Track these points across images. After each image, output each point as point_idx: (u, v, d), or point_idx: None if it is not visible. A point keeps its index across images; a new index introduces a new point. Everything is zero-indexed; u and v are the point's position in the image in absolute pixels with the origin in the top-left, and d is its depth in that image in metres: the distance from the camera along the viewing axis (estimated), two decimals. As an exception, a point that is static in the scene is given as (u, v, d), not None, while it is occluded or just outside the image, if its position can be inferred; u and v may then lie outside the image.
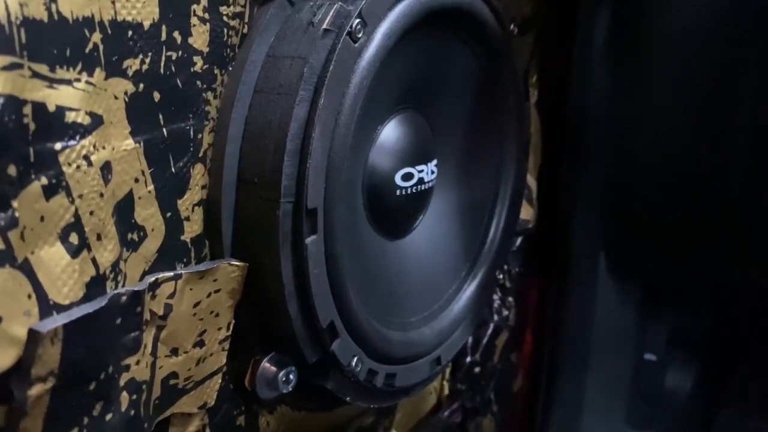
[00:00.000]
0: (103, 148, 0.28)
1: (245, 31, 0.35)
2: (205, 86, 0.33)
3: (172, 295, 0.32)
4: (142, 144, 0.30)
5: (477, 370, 0.63)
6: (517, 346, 0.71)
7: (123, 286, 0.30)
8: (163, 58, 0.30)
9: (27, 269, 0.25)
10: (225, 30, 0.33)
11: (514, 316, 0.66)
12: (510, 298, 0.64)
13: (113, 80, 0.28)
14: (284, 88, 0.34)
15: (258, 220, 0.35)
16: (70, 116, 0.26)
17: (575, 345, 0.71)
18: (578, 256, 0.69)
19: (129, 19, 0.28)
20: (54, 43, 0.25)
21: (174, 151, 0.32)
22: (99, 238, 0.28)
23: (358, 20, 0.36)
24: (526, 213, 0.63)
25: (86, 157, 0.27)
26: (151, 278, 0.31)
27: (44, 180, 0.25)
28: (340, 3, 0.35)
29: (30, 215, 0.25)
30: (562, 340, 0.72)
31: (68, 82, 0.26)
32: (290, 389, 0.39)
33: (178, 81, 0.31)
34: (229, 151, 0.35)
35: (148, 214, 0.31)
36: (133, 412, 0.30)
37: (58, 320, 0.25)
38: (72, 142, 0.26)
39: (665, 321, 0.77)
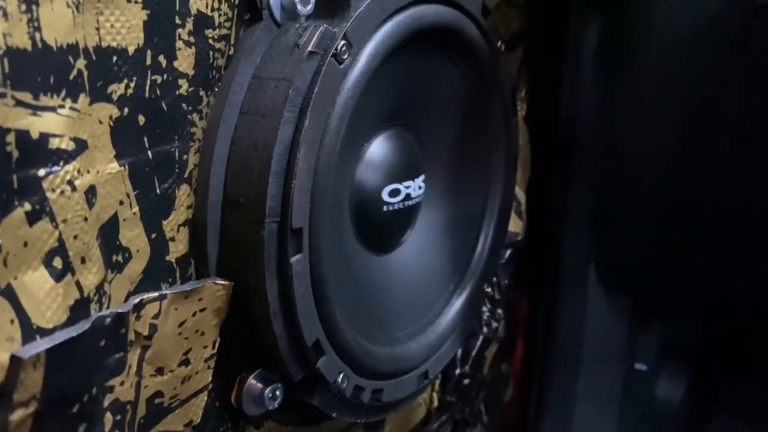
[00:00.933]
0: (88, 172, 0.28)
1: (231, 52, 0.35)
2: (190, 108, 0.33)
3: (156, 316, 0.32)
4: (126, 167, 0.30)
5: (466, 381, 0.64)
6: (507, 356, 0.71)
7: (107, 307, 0.30)
8: (148, 82, 0.31)
9: (9, 294, 0.25)
10: (210, 52, 0.34)
11: (503, 328, 0.66)
12: (499, 310, 0.65)
13: (98, 105, 0.29)
14: (269, 109, 0.35)
15: (243, 239, 0.35)
16: (54, 142, 0.26)
17: (566, 355, 0.72)
18: (568, 267, 0.69)
19: (114, 44, 0.29)
20: (38, 71, 0.26)
21: (159, 172, 0.32)
22: (83, 261, 0.28)
23: (343, 42, 0.36)
24: (515, 225, 0.64)
25: (70, 182, 0.27)
26: (136, 299, 0.31)
27: (27, 206, 0.26)
28: (325, 25, 0.36)
29: (13, 241, 0.25)
30: (553, 350, 0.72)
31: (52, 109, 0.26)
32: (276, 406, 0.39)
33: (164, 104, 0.32)
34: (214, 171, 0.35)
35: (133, 235, 0.31)
36: (117, 433, 0.30)
37: (40, 345, 0.25)
38: (56, 168, 0.27)
39: (655, 331, 0.77)
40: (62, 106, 0.27)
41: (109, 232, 0.30)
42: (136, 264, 0.32)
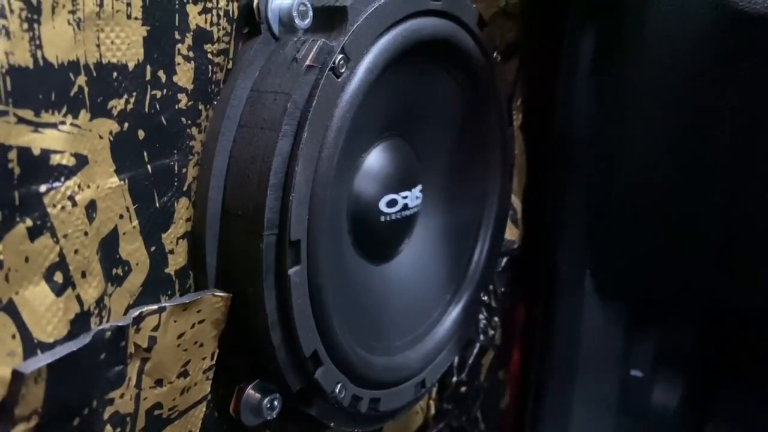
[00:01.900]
0: (88, 187, 0.28)
1: (230, 66, 0.35)
2: (189, 122, 0.34)
3: (156, 328, 0.32)
4: (126, 181, 0.31)
5: (463, 389, 0.64)
6: (504, 364, 0.72)
7: (107, 321, 0.30)
8: (148, 97, 0.31)
9: (11, 310, 0.25)
10: (209, 67, 0.34)
11: (500, 336, 0.67)
12: (496, 318, 0.65)
13: (98, 121, 0.29)
14: (268, 122, 0.35)
15: (242, 251, 0.36)
16: (55, 158, 0.27)
17: (562, 362, 0.72)
18: (564, 274, 0.70)
19: (114, 60, 0.29)
20: (39, 89, 0.26)
21: (158, 186, 0.32)
22: (83, 275, 0.28)
23: (341, 56, 0.36)
24: (512, 234, 0.64)
25: (71, 198, 0.27)
26: (135, 312, 0.31)
27: (29, 222, 0.26)
28: (323, 39, 0.36)
29: (14, 257, 0.25)
30: (549, 357, 0.72)
31: (53, 126, 0.27)
32: (274, 416, 0.39)
33: (163, 119, 0.32)
34: (213, 184, 0.35)
35: (133, 249, 0.32)
36: (116, 445, 0.31)
37: (41, 360, 0.26)
38: (57, 184, 0.27)
39: (651, 338, 0.78)
40: (63, 123, 0.27)
41: (109, 245, 0.30)
42: (136, 277, 0.32)
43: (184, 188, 0.34)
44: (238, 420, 0.39)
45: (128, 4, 0.29)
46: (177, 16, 0.31)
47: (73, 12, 0.27)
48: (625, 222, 0.64)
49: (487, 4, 0.54)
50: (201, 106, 0.34)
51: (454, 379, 0.62)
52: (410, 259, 0.49)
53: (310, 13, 0.37)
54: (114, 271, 0.31)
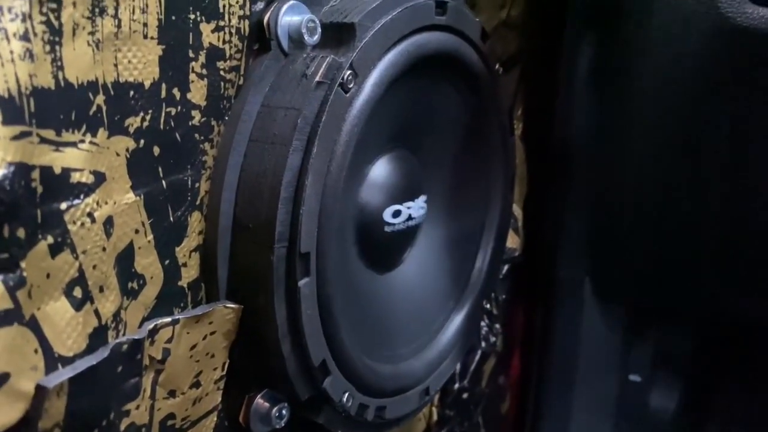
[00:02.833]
0: (106, 203, 0.29)
1: (241, 82, 0.36)
2: (202, 138, 0.34)
3: (169, 340, 0.33)
4: (142, 197, 0.31)
5: (465, 395, 0.65)
6: (505, 369, 0.72)
7: (123, 333, 0.31)
8: (163, 114, 0.32)
9: (33, 325, 0.26)
10: (222, 83, 0.35)
11: (501, 342, 0.68)
12: (497, 325, 0.66)
13: (115, 138, 0.29)
14: (278, 137, 0.36)
15: (253, 263, 0.36)
16: (75, 176, 0.27)
17: (562, 367, 0.73)
18: (564, 280, 0.71)
19: (131, 79, 0.30)
20: (60, 109, 0.27)
21: (173, 201, 0.33)
22: (101, 290, 0.29)
23: (349, 72, 0.37)
24: (513, 241, 0.65)
25: (90, 215, 0.28)
26: (150, 325, 0.32)
27: (50, 239, 0.26)
28: (332, 56, 0.37)
29: (37, 273, 0.26)
30: (549, 362, 0.73)
31: (73, 144, 0.27)
32: (283, 424, 0.40)
33: (177, 135, 0.33)
34: (225, 197, 0.36)
35: (148, 262, 0.32)
36: (132, 455, 0.31)
37: (63, 374, 0.26)
38: (76, 201, 0.27)
39: (649, 343, 0.79)
40: (82, 141, 0.28)
41: (125, 260, 0.31)
42: (150, 290, 0.33)
43: (197, 202, 0.35)
44: (248, 429, 0.39)
45: (145, 24, 0.30)
46: (191, 34, 0.32)
47: (92, 33, 0.27)
48: (623, 229, 0.65)
49: (490, 16, 0.55)
50: (213, 122, 0.35)
51: (456, 385, 0.63)
52: (414, 268, 0.50)
53: (319, 30, 0.38)
54: (130, 284, 0.31)
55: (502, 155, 0.54)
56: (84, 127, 0.28)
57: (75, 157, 0.27)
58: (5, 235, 0.24)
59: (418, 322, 0.51)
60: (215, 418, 0.38)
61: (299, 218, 0.36)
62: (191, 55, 0.32)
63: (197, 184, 0.35)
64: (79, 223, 0.28)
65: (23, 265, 0.25)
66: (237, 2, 0.34)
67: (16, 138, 0.24)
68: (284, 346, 0.37)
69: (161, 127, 0.32)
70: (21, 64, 0.25)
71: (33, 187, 0.25)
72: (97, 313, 0.29)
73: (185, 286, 0.35)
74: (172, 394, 0.34)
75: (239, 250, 0.36)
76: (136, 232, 0.31)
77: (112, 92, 0.29)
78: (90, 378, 0.27)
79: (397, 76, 0.40)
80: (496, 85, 0.51)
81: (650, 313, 0.76)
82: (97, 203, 0.28)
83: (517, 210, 0.65)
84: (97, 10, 0.27)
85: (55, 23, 0.26)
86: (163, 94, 0.31)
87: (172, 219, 0.33)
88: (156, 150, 0.32)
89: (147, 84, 0.30)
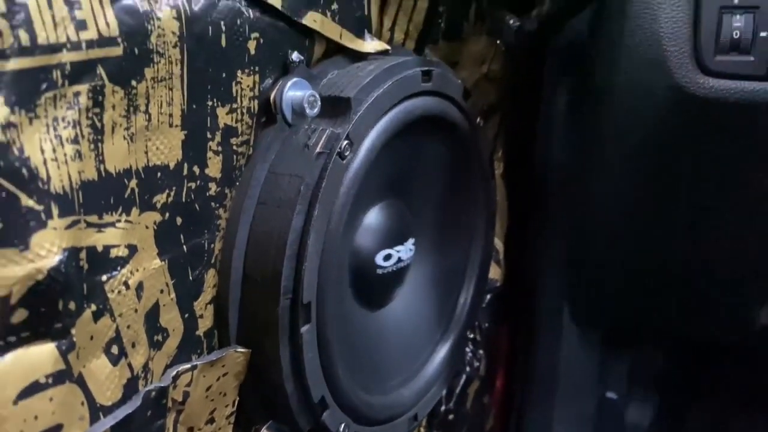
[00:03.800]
0: (137, 271, 0.34)
1: (250, 152, 0.41)
2: (217, 205, 0.39)
3: (189, 383, 0.38)
4: (167, 261, 0.36)
5: (451, 417, 0.69)
6: (488, 389, 0.77)
7: (151, 381, 0.35)
8: (185, 189, 0.36)
9: (80, 381, 0.31)
10: (234, 156, 0.39)
11: (484, 366, 0.72)
12: (480, 351, 0.71)
13: (145, 214, 0.34)
14: (284, 201, 0.41)
15: (261, 312, 0.41)
16: (114, 252, 0.32)
17: (543, 386, 0.78)
18: (544, 307, 0.76)
19: (158, 163, 0.34)
20: (102, 195, 0.31)
21: (192, 262, 0.38)
22: (134, 345, 0.34)
23: (346, 142, 0.42)
24: (495, 273, 0.70)
25: (125, 283, 0.33)
26: (173, 372, 0.37)
27: (93, 307, 0.31)
28: (330, 129, 0.41)
29: (83, 337, 0.31)
30: (531, 382, 0.78)
31: (112, 224, 0.32)
32: (286, 453, 0.45)
33: (197, 205, 0.37)
34: (236, 255, 0.40)
35: (171, 317, 0.37)
36: (157, 487, 0.36)
37: (106, 423, 0.31)
38: (114, 273, 0.32)
39: (625, 362, 0.84)
40: (119, 221, 0.32)
41: (152, 317, 0.35)
42: (173, 341, 0.37)
43: (212, 261, 0.39)
44: (256, 457, 0.44)
45: (170, 115, 0.34)
46: (209, 119, 0.37)
47: (127, 128, 0.32)
48: (597, 258, 0.70)
49: (472, 71, 0.60)
50: (227, 191, 0.39)
51: (443, 408, 0.68)
52: (403, 304, 0.55)
53: (319, 103, 0.42)
54: (155, 337, 0.36)
55: (484, 197, 0.60)
56: (120, 209, 0.32)
57: (113, 235, 0.32)
58: (60, 309, 0.29)
59: (407, 353, 0.55)
60: (226, 450, 0.42)
61: (302, 273, 0.40)
62: (209, 136, 0.37)
63: (212, 245, 0.39)
64: (116, 291, 0.32)
65: (73, 331, 0.30)
66: (248, 86, 0.39)
67: (68, 227, 0.29)
68: (288, 385, 0.42)
69: (183, 200, 0.36)
70: (72, 164, 0.29)
71: (81, 265, 0.30)
72: (130, 366, 0.34)
73: (201, 334, 0.40)
74: (190, 431, 0.39)
75: (248, 300, 0.41)
76: (161, 292, 0.36)
77: (143, 176, 0.34)
78: (127, 424, 0.32)
79: (388, 139, 0.45)
80: (476, 137, 0.56)
81: (625, 336, 0.82)
82: (131, 272, 0.33)
83: (498, 243, 0.70)
84: (131, 108, 0.32)
85: (98, 125, 0.31)
86: (185, 172, 0.36)
87: (191, 278, 0.38)
88: (179, 220, 0.36)
89: (172, 165, 0.35)
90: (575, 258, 0.72)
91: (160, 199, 0.35)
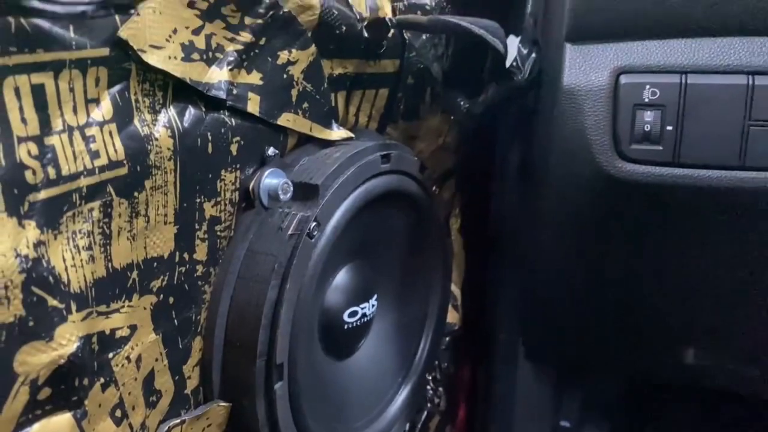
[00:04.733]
0: (137, 345, 0.40)
1: (231, 234, 0.48)
2: (203, 283, 0.46)
3: (179, 436, 0.44)
4: (161, 335, 0.43)
5: (414, 449, 0.76)
6: (450, 421, 0.84)
7: (147, 437, 0.42)
8: (177, 273, 0.43)
9: (91, 443, 0.37)
10: (218, 240, 0.46)
11: (445, 402, 0.79)
12: (440, 388, 0.78)
13: (144, 298, 0.41)
14: (260, 277, 0.47)
15: (240, 372, 0.48)
16: (118, 333, 0.39)
17: (502, 416, 0.85)
18: (501, 344, 0.83)
19: (155, 254, 0.41)
20: (109, 289, 0.38)
21: (182, 333, 0.44)
22: (133, 408, 0.40)
23: (314, 223, 0.49)
24: (453, 317, 0.77)
25: (128, 358, 0.39)
26: (165, 427, 0.43)
27: (102, 380, 0.38)
28: (301, 213, 0.49)
29: (93, 406, 0.37)
30: (491, 413, 0.86)
31: (117, 311, 0.39)
32: (262, 492, 0.51)
33: (186, 285, 0.44)
34: (219, 324, 0.47)
35: (164, 380, 0.43)
36: None
37: (112, 477, 0.37)
38: (119, 350, 0.39)
39: (577, 393, 0.92)
40: (123, 306, 0.39)
41: (148, 382, 0.42)
42: (165, 400, 0.44)
43: (199, 329, 0.46)
44: (235, 497, 0.50)
45: (165, 215, 0.41)
46: (197, 213, 0.44)
47: (130, 231, 0.39)
48: (548, 301, 0.78)
49: (429, 143, 0.67)
50: (212, 270, 0.46)
51: (406, 442, 0.75)
52: (368, 353, 0.62)
53: (291, 189, 0.50)
54: (151, 398, 0.43)
55: (441, 253, 0.67)
56: (124, 297, 0.39)
57: (119, 319, 0.39)
58: (76, 385, 0.36)
59: (372, 397, 0.62)
60: (210, 490, 0.49)
61: (276, 338, 0.47)
62: (197, 227, 0.44)
63: (199, 316, 0.46)
64: (120, 365, 0.39)
65: (86, 402, 0.36)
66: (230, 181, 0.46)
67: (83, 319, 0.36)
68: (264, 433, 0.49)
69: (175, 282, 0.43)
70: (87, 267, 0.36)
71: (93, 348, 0.37)
72: (130, 425, 0.40)
73: (189, 392, 0.46)
74: (179, 476, 0.45)
75: (229, 362, 0.48)
76: (156, 360, 0.43)
77: (142, 267, 0.40)
78: (128, 477, 0.39)
79: (352, 216, 0.52)
80: (433, 203, 0.63)
81: (577, 369, 0.89)
82: (132, 348, 0.40)
83: (456, 290, 0.77)
84: (134, 214, 0.39)
85: (107, 231, 0.37)
86: (177, 259, 0.43)
87: (180, 346, 0.45)
88: (171, 299, 0.43)
89: (166, 255, 0.42)
90: (528, 300, 0.79)
91: (156, 283, 0.42)
